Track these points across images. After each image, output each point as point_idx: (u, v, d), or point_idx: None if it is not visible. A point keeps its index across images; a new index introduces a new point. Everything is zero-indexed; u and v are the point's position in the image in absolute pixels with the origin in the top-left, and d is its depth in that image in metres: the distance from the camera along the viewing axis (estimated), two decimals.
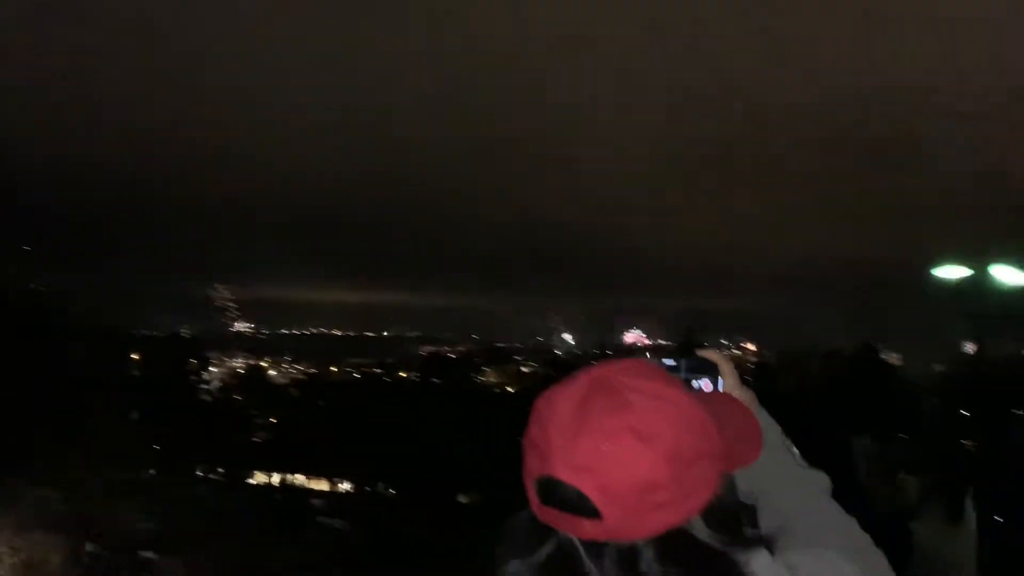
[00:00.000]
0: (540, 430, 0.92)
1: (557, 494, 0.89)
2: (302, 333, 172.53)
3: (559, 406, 0.91)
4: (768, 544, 0.95)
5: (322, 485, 38.84)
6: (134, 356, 49.89)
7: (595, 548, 0.89)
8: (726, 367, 1.17)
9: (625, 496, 0.87)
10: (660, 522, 0.88)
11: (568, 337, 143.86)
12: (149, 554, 18.85)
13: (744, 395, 1.16)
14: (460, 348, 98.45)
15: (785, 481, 1.16)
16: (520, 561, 0.95)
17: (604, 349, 75.75)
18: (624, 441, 0.87)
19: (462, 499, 33.48)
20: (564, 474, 0.88)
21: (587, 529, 0.89)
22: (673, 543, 0.88)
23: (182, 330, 74.34)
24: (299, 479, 40.23)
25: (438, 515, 30.50)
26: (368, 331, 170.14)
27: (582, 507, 0.88)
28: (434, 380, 49.92)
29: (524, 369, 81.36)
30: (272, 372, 77.39)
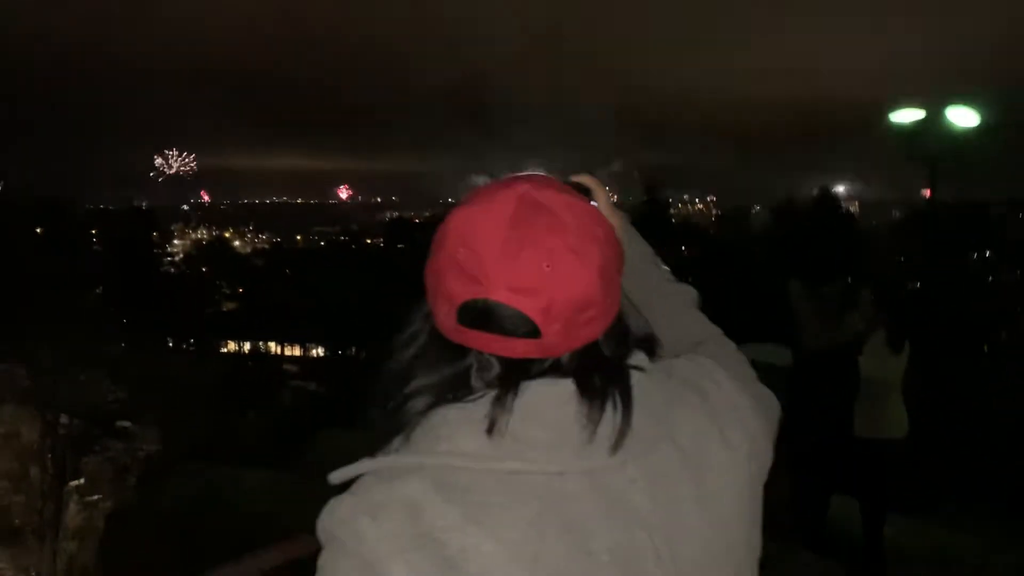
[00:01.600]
0: (468, 251, 0.87)
1: (492, 317, 0.87)
2: (263, 202, 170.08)
3: (488, 226, 0.87)
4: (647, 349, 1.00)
5: (295, 351, 39.46)
6: (92, 231, 49.18)
7: (518, 365, 0.89)
8: (600, 191, 1.18)
9: (565, 315, 0.87)
10: (586, 337, 0.90)
11: None
12: (125, 423, 19.21)
13: (616, 219, 1.17)
14: (425, 213, 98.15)
15: (654, 294, 1.22)
16: (424, 379, 0.93)
17: None
18: (565, 260, 0.86)
19: None
20: (503, 296, 0.86)
21: (519, 349, 0.88)
22: (589, 356, 0.91)
23: (139, 203, 72.97)
24: (271, 346, 40.77)
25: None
26: (330, 199, 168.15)
27: (519, 328, 0.87)
28: (399, 246, 49.94)
29: None
30: (236, 243, 76.89)
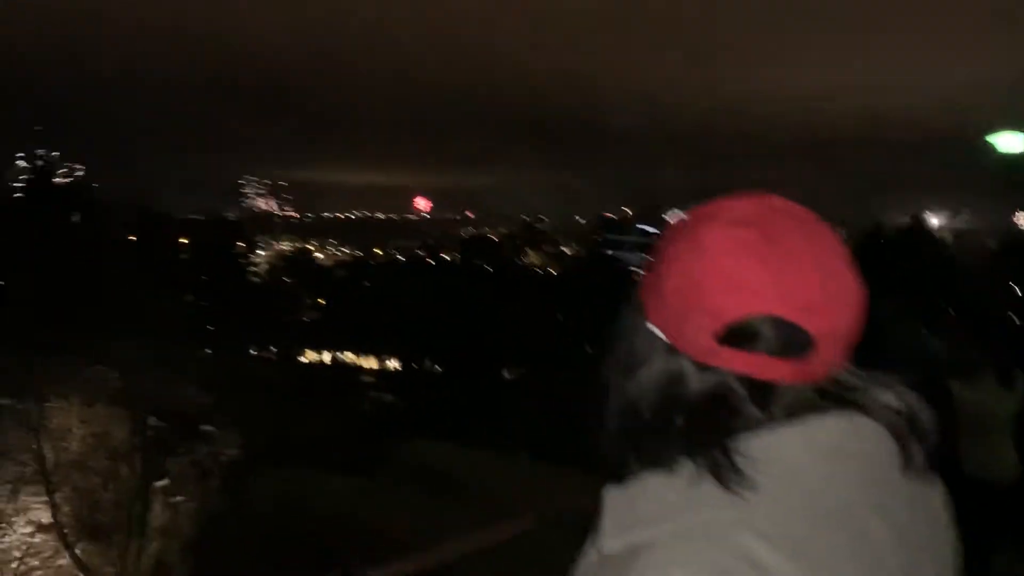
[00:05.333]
0: (738, 264, 0.79)
1: (762, 335, 0.79)
2: (345, 216, 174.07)
3: (756, 241, 0.80)
4: None
5: (371, 363, 40.02)
6: (183, 240, 51.10)
7: (763, 390, 0.81)
8: None
9: (844, 337, 0.81)
10: (842, 362, 0.84)
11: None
12: (208, 427, 19.80)
13: None
14: (501, 230, 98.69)
15: None
16: (677, 408, 0.84)
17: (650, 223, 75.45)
18: (846, 278, 0.81)
19: (506, 374, 34.30)
20: (785, 311, 0.78)
21: (786, 371, 0.80)
22: (845, 385, 0.86)
23: (227, 214, 75.52)
24: (349, 356, 41.45)
25: (483, 389, 31.37)
26: (408, 214, 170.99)
27: (790, 349, 0.79)
28: (476, 262, 50.33)
29: (565, 250, 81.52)
30: (318, 255, 78.73)
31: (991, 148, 11.07)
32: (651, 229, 69.91)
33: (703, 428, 0.81)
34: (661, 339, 0.85)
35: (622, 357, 0.89)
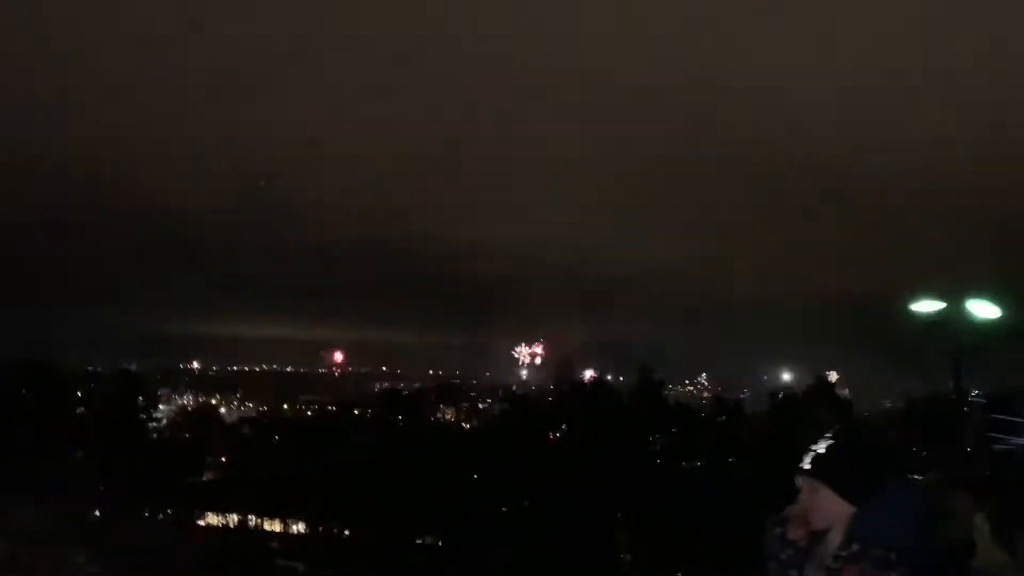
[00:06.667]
0: None
1: None
2: (251, 369, 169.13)
3: None
4: None
5: (276, 526, 37.71)
6: (78, 393, 48.32)
7: None
8: None
9: None
10: None
11: (523, 373, 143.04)
12: None
13: None
14: (415, 385, 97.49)
15: None
16: None
17: (561, 384, 75.80)
18: None
19: (420, 540, 32.75)
20: None
21: None
22: None
23: (128, 366, 72.27)
24: (252, 520, 39.01)
25: (396, 557, 29.78)
26: (319, 367, 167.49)
27: None
28: (390, 418, 49.09)
29: (481, 406, 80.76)
30: (222, 410, 75.58)
31: (914, 312, 11.51)
32: None
33: None
34: None
35: None
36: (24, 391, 40.55)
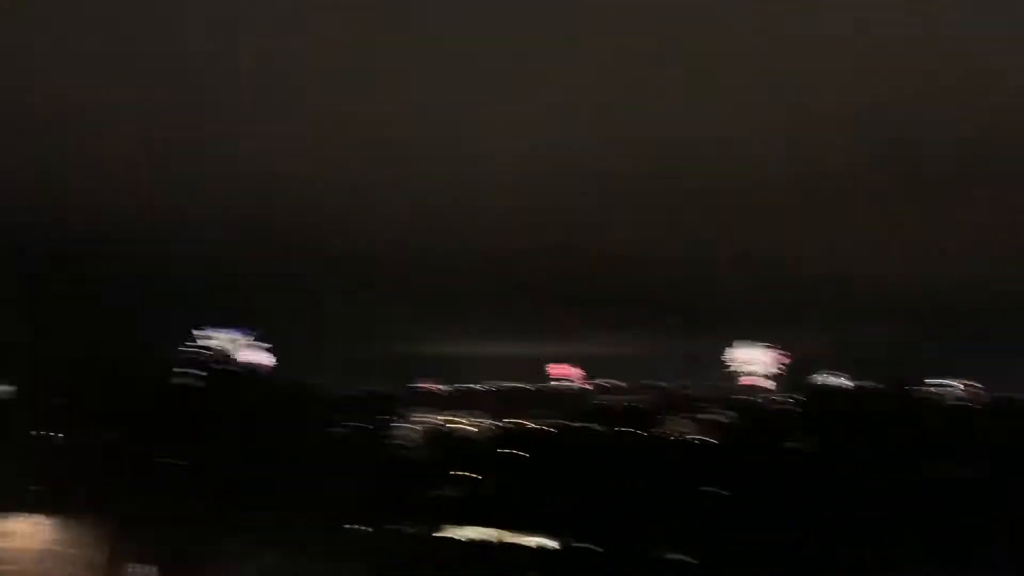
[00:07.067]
0: None
1: None
2: (487, 388, 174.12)
3: None
4: None
5: (523, 540, 37.69)
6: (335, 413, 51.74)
7: None
8: None
9: None
10: None
11: (745, 379, 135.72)
12: None
13: None
14: (642, 396, 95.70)
15: None
16: None
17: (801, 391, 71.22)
18: None
19: (672, 555, 31.38)
20: None
21: None
22: None
23: (376, 388, 76.50)
24: (493, 532, 39.33)
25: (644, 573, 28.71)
26: (543, 383, 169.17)
27: None
28: (626, 430, 48.29)
29: (704, 417, 77.32)
30: (466, 426, 77.66)
31: None
32: None
33: None
34: None
35: None
36: (292, 410, 44.14)
